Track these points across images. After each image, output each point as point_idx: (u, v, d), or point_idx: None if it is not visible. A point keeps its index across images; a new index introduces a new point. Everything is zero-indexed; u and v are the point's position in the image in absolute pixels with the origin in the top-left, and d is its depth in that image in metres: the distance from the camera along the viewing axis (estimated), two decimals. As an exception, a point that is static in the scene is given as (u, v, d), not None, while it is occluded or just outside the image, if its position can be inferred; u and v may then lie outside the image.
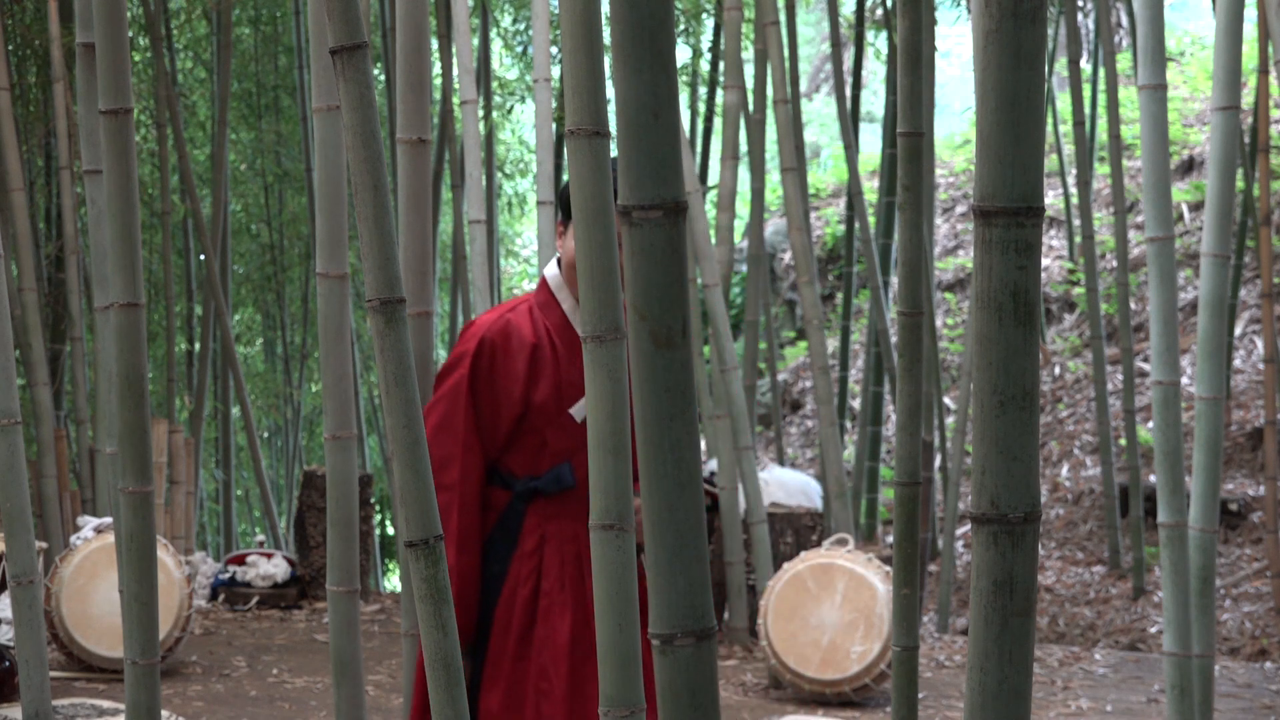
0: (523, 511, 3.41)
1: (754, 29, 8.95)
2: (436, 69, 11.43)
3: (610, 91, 1.96)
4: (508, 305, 3.48)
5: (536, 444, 3.41)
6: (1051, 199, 14.41)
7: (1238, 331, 12.15)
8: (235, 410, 12.31)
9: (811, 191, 15.55)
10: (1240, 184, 10.04)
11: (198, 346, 11.05)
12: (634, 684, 2.14)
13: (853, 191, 10.16)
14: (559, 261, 3.44)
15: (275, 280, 13.51)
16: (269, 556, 8.44)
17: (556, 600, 3.39)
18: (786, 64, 8.13)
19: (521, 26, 12.14)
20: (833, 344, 12.72)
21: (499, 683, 3.40)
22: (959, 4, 11.40)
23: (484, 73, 11.07)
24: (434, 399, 3.42)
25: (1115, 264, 12.19)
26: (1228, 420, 11.60)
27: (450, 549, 3.25)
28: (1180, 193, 13.73)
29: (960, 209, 15.90)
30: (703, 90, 11.83)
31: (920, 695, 6.70)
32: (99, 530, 6.65)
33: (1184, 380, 11.33)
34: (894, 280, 10.73)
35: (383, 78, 10.46)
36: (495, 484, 3.44)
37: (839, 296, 12.74)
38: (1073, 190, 14.16)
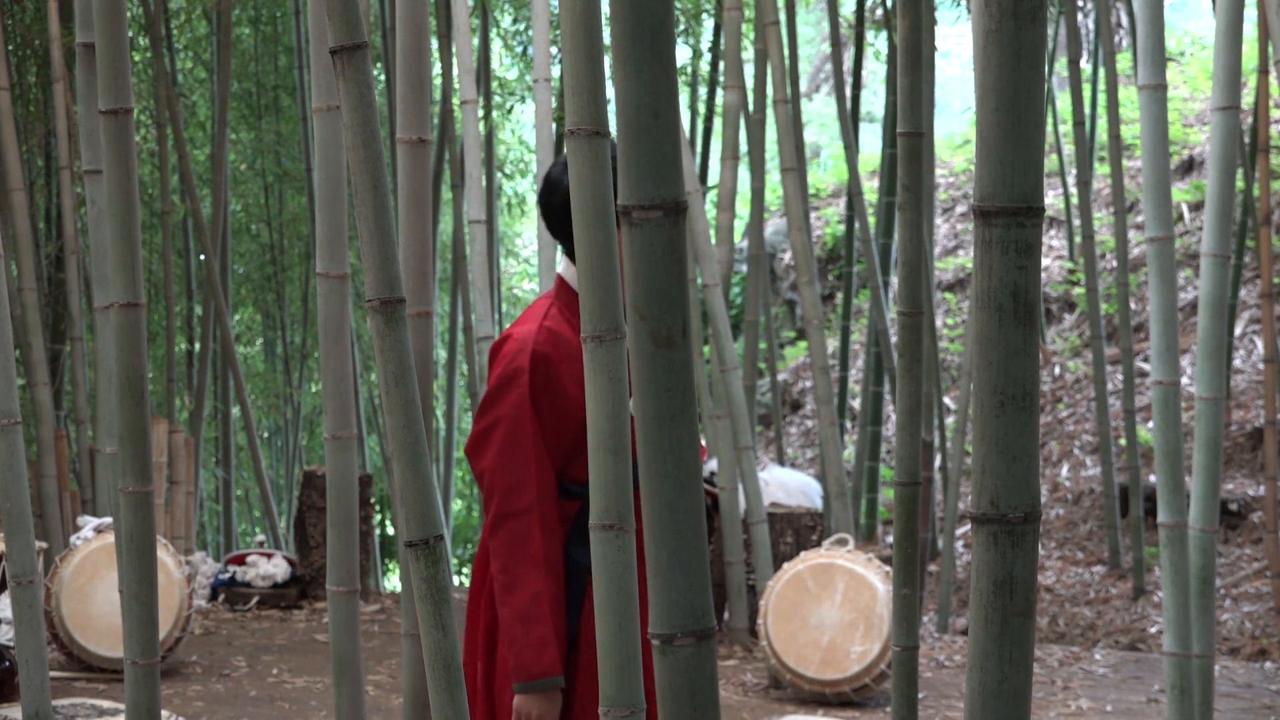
0: None
1: (754, 29, 8.95)
2: (436, 69, 11.42)
3: (610, 91, 1.96)
4: (536, 313, 3.37)
5: None
6: (1051, 199, 14.41)
7: (1238, 331, 12.14)
8: (235, 410, 12.31)
9: (811, 191, 15.54)
10: (1240, 184, 10.04)
11: (198, 346, 11.04)
12: (634, 684, 2.14)
13: (853, 191, 10.16)
14: (570, 258, 3.40)
15: (275, 280, 13.51)
16: (269, 556, 8.43)
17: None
18: (786, 64, 8.13)
19: (521, 26, 12.14)
20: (833, 344, 12.72)
21: (592, 683, 3.30)
22: (959, 4, 11.40)
23: (484, 73, 11.07)
24: (487, 421, 3.29)
25: (1115, 264, 12.19)
26: (1228, 420, 11.60)
27: (535, 573, 3.15)
28: (1180, 193, 13.73)
29: (960, 209, 15.89)
30: (703, 90, 11.82)
31: (920, 695, 6.70)
32: (99, 530, 6.65)
33: (1184, 380, 11.32)
34: (894, 280, 10.73)
35: (383, 78, 10.45)
36: (562, 497, 3.34)
37: (839, 296, 12.74)
38: (1073, 190, 14.16)
